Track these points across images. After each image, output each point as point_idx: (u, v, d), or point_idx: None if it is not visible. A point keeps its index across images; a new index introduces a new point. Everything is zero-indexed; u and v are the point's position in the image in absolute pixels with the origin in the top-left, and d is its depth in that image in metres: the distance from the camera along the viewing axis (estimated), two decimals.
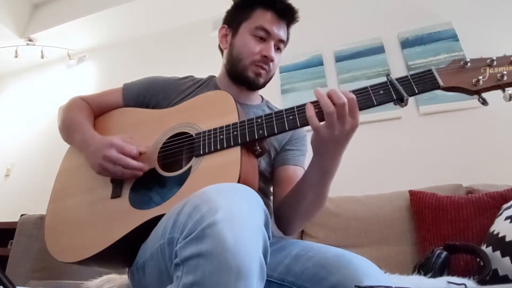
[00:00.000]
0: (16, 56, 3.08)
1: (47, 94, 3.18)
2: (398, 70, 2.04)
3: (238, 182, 0.63)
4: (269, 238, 0.50)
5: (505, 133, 1.70)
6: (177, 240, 0.48)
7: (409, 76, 0.63)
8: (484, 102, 0.60)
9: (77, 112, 0.90)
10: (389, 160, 1.85)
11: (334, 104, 0.61)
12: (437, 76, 0.62)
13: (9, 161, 2.99)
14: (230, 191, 0.51)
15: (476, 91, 0.60)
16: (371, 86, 0.64)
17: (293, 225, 0.80)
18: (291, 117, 0.67)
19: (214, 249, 0.42)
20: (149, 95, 0.93)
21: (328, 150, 0.65)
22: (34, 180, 2.71)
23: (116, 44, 3.12)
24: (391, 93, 0.63)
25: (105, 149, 0.73)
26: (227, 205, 0.47)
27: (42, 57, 3.12)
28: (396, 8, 2.22)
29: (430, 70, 0.63)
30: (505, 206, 1.15)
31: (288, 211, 0.78)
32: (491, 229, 1.09)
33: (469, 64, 0.62)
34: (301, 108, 0.67)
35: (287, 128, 0.67)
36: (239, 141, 0.68)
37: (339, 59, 2.21)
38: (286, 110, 0.69)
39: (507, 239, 0.97)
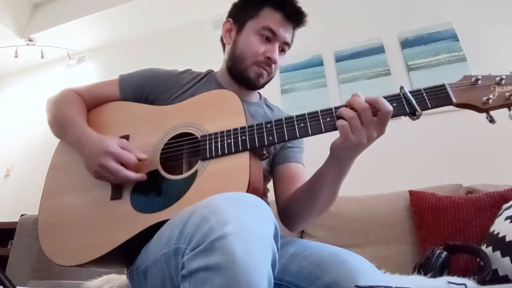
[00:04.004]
0: (16, 56, 3.07)
1: (47, 94, 3.12)
2: (398, 70, 2.04)
3: (248, 188, 0.62)
4: (277, 250, 0.49)
5: (506, 133, 1.69)
6: (184, 251, 0.47)
7: (422, 90, 0.63)
8: (491, 120, 0.61)
9: (69, 106, 0.85)
10: (389, 160, 1.84)
11: (356, 110, 0.61)
12: (450, 92, 0.62)
13: (9, 161, 2.98)
14: (239, 202, 0.50)
15: (485, 109, 0.61)
16: (383, 97, 0.63)
17: (304, 221, 0.80)
18: (302, 124, 0.66)
19: (223, 263, 0.41)
20: (149, 88, 0.89)
21: (350, 154, 0.66)
22: (34, 180, 2.68)
23: (116, 44, 3.12)
24: (404, 106, 0.63)
25: (101, 156, 0.69)
26: (237, 217, 0.46)
27: (42, 57, 3.12)
28: (396, 8, 2.22)
29: (444, 85, 0.62)
30: (505, 206, 1.15)
31: (302, 208, 0.78)
32: (491, 229, 1.09)
33: (480, 81, 0.62)
34: (313, 115, 0.66)
35: (298, 136, 0.66)
36: (248, 146, 0.67)
37: (339, 59, 2.21)
38: (297, 116, 0.67)
39: (507, 239, 0.98)
